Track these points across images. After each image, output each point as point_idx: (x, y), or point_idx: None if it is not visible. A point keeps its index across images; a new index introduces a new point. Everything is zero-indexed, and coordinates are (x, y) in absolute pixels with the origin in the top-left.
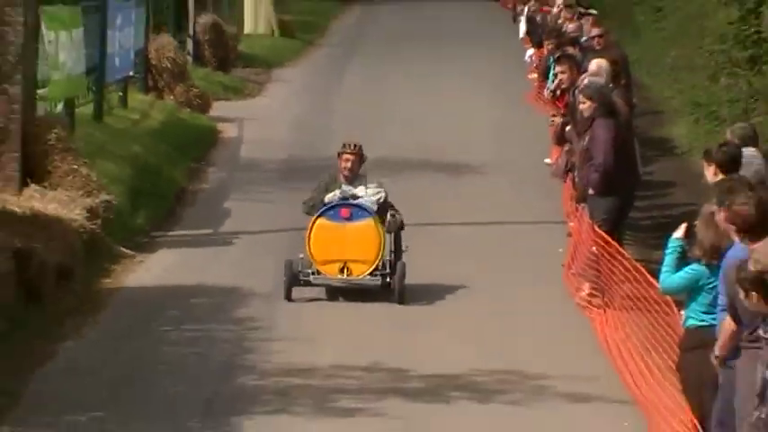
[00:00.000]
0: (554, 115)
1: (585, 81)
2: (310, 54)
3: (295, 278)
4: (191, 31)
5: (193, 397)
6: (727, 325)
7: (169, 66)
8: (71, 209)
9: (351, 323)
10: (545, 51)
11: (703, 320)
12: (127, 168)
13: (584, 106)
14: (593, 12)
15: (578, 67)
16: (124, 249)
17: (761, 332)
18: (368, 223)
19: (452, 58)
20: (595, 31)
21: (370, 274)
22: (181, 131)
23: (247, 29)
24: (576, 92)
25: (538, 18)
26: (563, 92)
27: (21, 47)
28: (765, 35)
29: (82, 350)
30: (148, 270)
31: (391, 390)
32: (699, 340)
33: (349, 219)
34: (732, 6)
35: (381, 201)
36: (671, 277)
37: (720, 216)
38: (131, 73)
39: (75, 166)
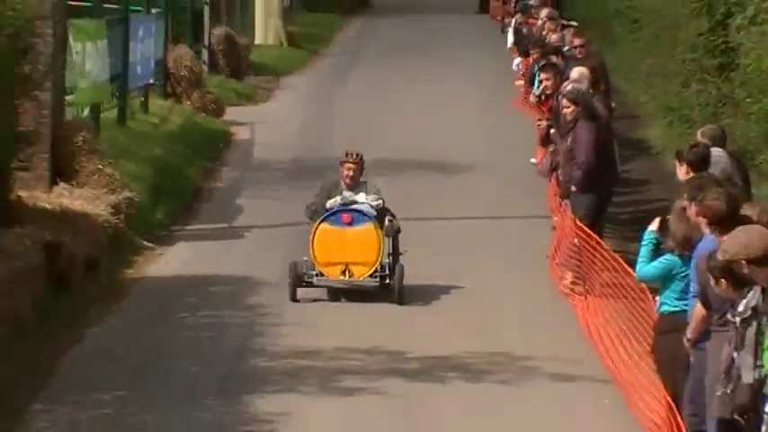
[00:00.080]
0: (539, 119)
1: (568, 87)
2: (315, 63)
3: (299, 280)
4: (206, 42)
5: (209, 377)
6: (698, 310)
7: (186, 74)
8: (97, 205)
9: (353, 312)
10: (531, 60)
11: (676, 306)
12: (148, 168)
13: (568, 110)
14: (574, 23)
15: (561, 75)
16: (145, 242)
17: (729, 316)
18: (368, 228)
19: (446, 67)
20: (577, 42)
21: (371, 275)
22: (197, 134)
23: (258, 40)
24: (560, 97)
25: (524, 29)
26: (547, 97)
27: (50, 57)
28: (732, 45)
29: (107, 335)
30: (168, 261)
31: (390, 371)
32: (672, 324)
33: (350, 224)
34: (702, 18)
35: (380, 207)
36: (646, 267)
37: (692, 210)
38: (152, 80)
39: (101, 166)
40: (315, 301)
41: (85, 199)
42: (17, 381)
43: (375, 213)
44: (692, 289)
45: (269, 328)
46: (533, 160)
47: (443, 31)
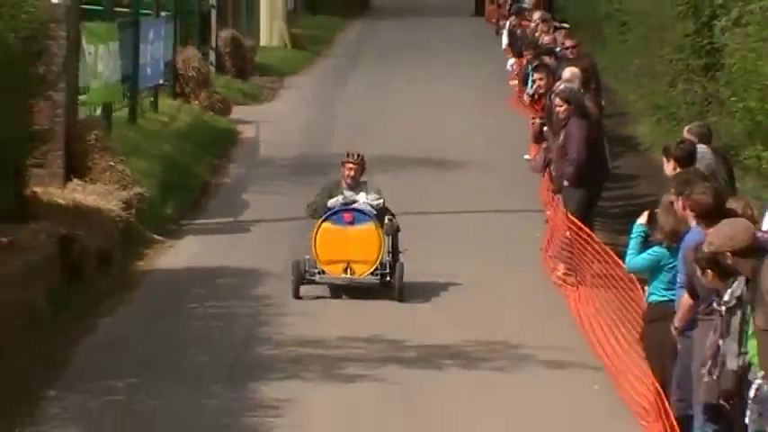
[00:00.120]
0: (533, 117)
1: (561, 87)
2: (318, 64)
3: (302, 277)
4: (213, 44)
5: (217, 365)
6: (685, 300)
7: (194, 74)
8: (109, 200)
9: (354, 305)
10: (524, 61)
11: (664, 296)
12: (157, 165)
13: (560, 108)
14: (566, 25)
15: (553, 75)
16: (155, 236)
17: (715, 305)
18: (369, 227)
19: (443, 67)
20: (569, 43)
21: (371, 273)
22: (205, 132)
23: (263, 42)
24: (552, 96)
25: (518, 31)
26: (540, 96)
27: (64, 58)
28: (717, 46)
29: (119, 325)
30: (177, 254)
31: (390, 358)
32: (660, 313)
33: (352, 223)
34: (688, 20)
35: (380, 206)
36: (635, 258)
37: (679, 204)
38: (161, 81)
39: (113, 163)
40: (317, 298)
41: (98, 194)
42: (33, 369)
43: (376, 213)
44: (679, 279)
45: (274, 318)
46: (527, 157)
47: (440, 33)
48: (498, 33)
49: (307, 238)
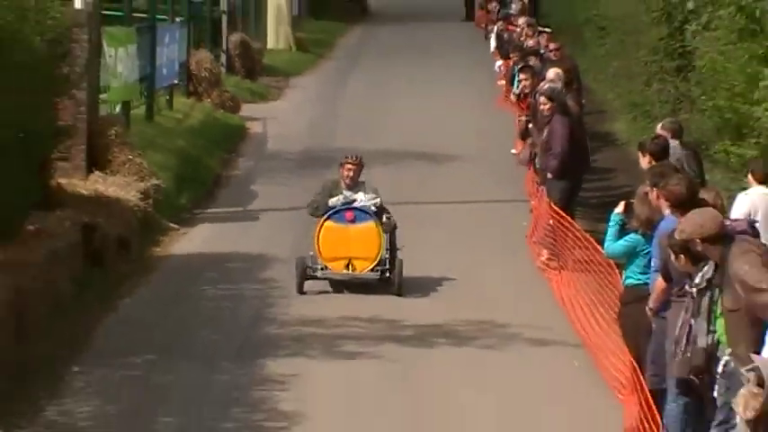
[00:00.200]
0: (519, 115)
1: (545, 86)
2: (321, 66)
3: (305, 273)
4: (224, 47)
5: (227, 343)
6: (659, 283)
7: (206, 75)
8: (128, 191)
9: (353, 291)
10: (511, 63)
11: (639, 280)
12: (173, 158)
13: (545, 107)
14: (549, 29)
15: (538, 75)
16: (171, 224)
17: (687, 287)
18: (369, 225)
19: (436, 68)
20: (552, 45)
21: (372, 269)
22: (216, 128)
23: (270, 45)
24: (537, 95)
25: (505, 35)
26: (525, 95)
27: (86, 60)
28: (689, 48)
29: (137, 307)
30: (191, 241)
31: (387, 337)
32: (636, 296)
33: (353, 221)
34: (662, 25)
35: (377, 205)
36: (613, 245)
37: (653, 195)
38: (176, 81)
39: (131, 157)
40: (320, 293)
41: (118, 186)
42: (57, 347)
43: (376, 211)
44: (653, 264)
45: (280, 299)
46: (514, 151)
47: (433, 37)
48: (487, 37)
49: (310, 226)
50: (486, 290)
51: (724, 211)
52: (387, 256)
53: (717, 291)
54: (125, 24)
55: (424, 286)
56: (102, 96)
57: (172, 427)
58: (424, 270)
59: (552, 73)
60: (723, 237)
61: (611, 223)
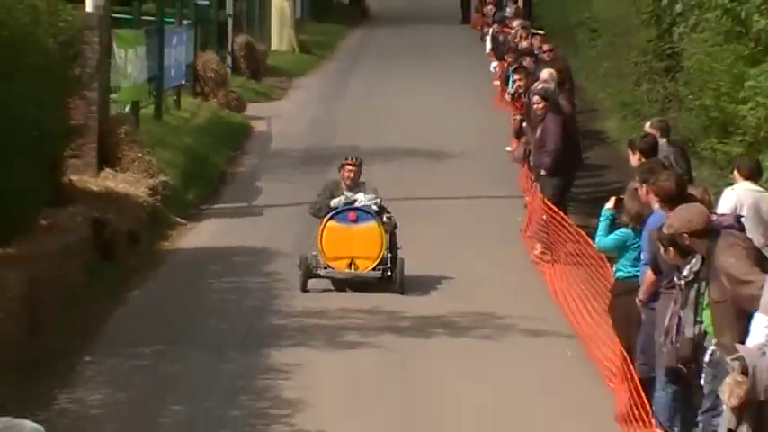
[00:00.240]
0: (514, 114)
1: (539, 86)
2: (323, 67)
3: (309, 272)
4: (229, 49)
5: (232, 333)
6: (648, 275)
7: (213, 76)
8: (137, 187)
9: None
10: (506, 64)
11: (629, 272)
12: (180, 156)
13: (538, 106)
14: (541, 32)
15: (531, 76)
16: (178, 219)
17: (676, 279)
18: (372, 225)
19: (434, 69)
20: (546, 47)
21: (374, 268)
22: (222, 127)
23: (274, 46)
24: (531, 95)
25: (500, 37)
26: (520, 95)
27: (97, 61)
28: (677, 50)
29: (146, 298)
30: (198, 235)
31: (386, 327)
32: (626, 288)
33: (355, 221)
34: (651, 27)
35: (378, 205)
36: (604, 239)
37: (643, 190)
38: (183, 81)
39: (140, 154)
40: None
41: (127, 182)
42: (70, 337)
43: (377, 211)
44: (642, 257)
45: (283, 291)
46: (509, 149)
47: (431, 39)
48: (483, 39)
49: (312, 223)
50: (483, 282)
51: (711, 206)
52: (388, 255)
53: (704, 283)
54: (134, 27)
55: (422, 279)
56: (113, 96)
57: (180, 414)
58: (422, 263)
59: (546, 73)
60: (710, 231)
61: (602, 218)
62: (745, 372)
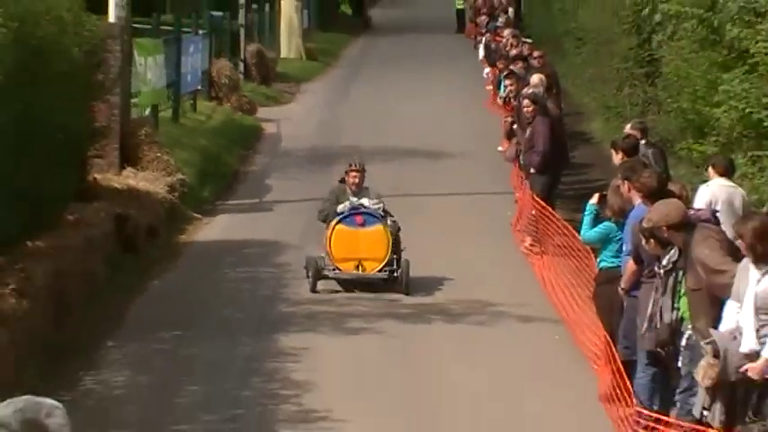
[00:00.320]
0: (505, 116)
1: (530, 91)
2: (329, 73)
3: (318, 273)
4: (242, 56)
5: (246, 320)
6: (630, 265)
7: (226, 81)
8: (156, 185)
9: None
10: (498, 70)
11: (612, 263)
12: (196, 156)
13: (528, 109)
14: (529, 40)
15: (522, 81)
16: (194, 214)
17: (656, 269)
18: (378, 228)
19: (432, 75)
20: (536, 54)
21: (380, 269)
22: (235, 129)
23: (283, 54)
24: (521, 98)
25: (492, 45)
26: (511, 99)
27: (119, 68)
28: (656, 56)
29: (165, 287)
30: (212, 229)
31: (388, 314)
32: (609, 277)
33: (363, 225)
34: (632, 36)
35: (381, 209)
36: (589, 232)
37: (625, 187)
38: (199, 86)
39: (159, 154)
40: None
41: (147, 180)
42: (94, 324)
43: (383, 215)
44: (625, 249)
45: (293, 281)
46: (500, 149)
47: (428, 47)
48: (476, 47)
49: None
50: (476, 272)
51: (688, 201)
52: (394, 257)
53: (681, 272)
54: (154, 36)
55: (421, 269)
56: (134, 101)
57: (197, 394)
58: (420, 255)
59: (536, 78)
60: (686, 224)
61: (586, 212)
62: (716, 355)
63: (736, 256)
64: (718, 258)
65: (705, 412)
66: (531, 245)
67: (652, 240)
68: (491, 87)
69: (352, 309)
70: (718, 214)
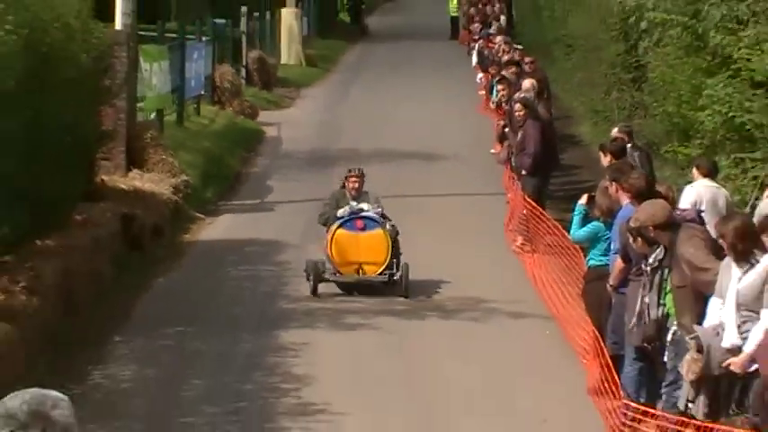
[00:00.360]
0: (497, 120)
1: (522, 95)
2: (328, 78)
3: (318, 277)
4: (244, 62)
5: (247, 316)
6: (618, 264)
7: (229, 86)
8: (161, 186)
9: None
10: (490, 75)
11: (601, 261)
12: (200, 158)
13: (519, 113)
14: (520, 46)
15: (513, 86)
16: (198, 214)
17: (643, 266)
18: (378, 232)
19: (426, 80)
20: (528, 59)
21: (380, 273)
22: (237, 132)
23: (283, 60)
24: (513, 103)
25: (485, 52)
26: (503, 103)
27: (125, 74)
28: (642, 62)
29: (170, 285)
30: (215, 229)
31: (384, 311)
32: (597, 275)
33: (363, 229)
34: (620, 43)
35: (380, 213)
36: (578, 231)
37: (612, 188)
38: (202, 91)
39: (164, 156)
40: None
41: (152, 181)
42: (101, 320)
43: (383, 220)
44: (613, 247)
45: (292, 278)
46: (493, 151)
47: (423, 53)
48: (469, 53)
49: (317, 218)
50: (470, 270)
51: (674, 201)
52: (393, 260)
53: (666, 270)
54: (159, 43)
55: (416, 268)
56: (139, 105)
57: (201, 387)
58: (416, 254)
59: (528, 82)
60: (671, 224)
61: (576, 212)
62: (700, 350)
63: (720, 254)
64: (703, 257)
65: (690, 405)
66: (523, 244)
67: (639, 239)
68: (484, 92)
69: (350, 306)
70: (703, 214)
